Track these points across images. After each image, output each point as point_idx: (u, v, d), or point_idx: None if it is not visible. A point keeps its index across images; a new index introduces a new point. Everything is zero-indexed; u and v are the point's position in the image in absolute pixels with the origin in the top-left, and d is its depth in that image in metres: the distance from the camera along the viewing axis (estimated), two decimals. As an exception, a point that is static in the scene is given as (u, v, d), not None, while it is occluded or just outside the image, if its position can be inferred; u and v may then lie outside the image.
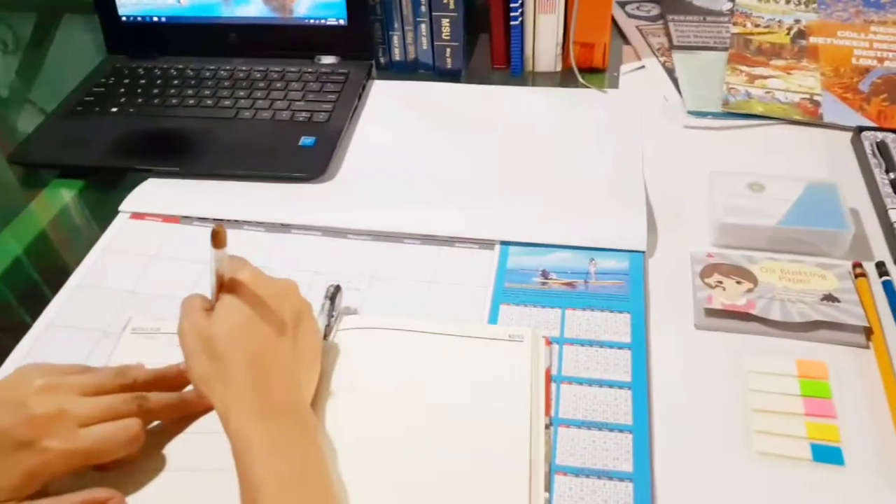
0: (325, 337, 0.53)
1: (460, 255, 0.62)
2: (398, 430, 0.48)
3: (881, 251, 0.60)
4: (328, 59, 0.84)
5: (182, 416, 0.50)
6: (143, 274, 0.62)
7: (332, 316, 0.55)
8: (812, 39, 0.84)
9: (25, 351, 0.56)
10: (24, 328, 0.58)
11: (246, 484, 0.41)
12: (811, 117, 0.74)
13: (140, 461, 0.47)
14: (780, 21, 0.87)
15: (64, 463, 0.43)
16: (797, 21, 0.86)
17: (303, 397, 0.47)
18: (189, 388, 0.51)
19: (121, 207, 0.68)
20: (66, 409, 0.44)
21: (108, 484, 0.45)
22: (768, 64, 0.81)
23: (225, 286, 0.46)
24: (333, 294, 0.56)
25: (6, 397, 0.44)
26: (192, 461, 0.48)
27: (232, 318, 0.45)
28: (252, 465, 0.41)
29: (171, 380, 0.50)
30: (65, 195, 0.72)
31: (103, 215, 0.68)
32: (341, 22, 0.82)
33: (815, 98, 0.76)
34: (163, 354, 0.54)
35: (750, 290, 0.56)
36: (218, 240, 0.44)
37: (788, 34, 0.85)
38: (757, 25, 0.86)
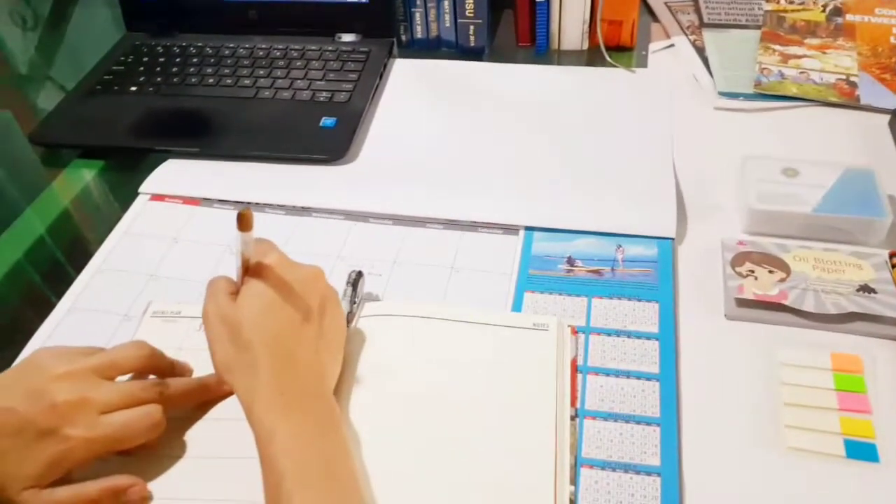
0: (348, 324, 0.52)
1: (483, 240, 0.61)
2: (421, 420, 0.48)
3: (920, 240, 0.58)
4: (348, 38, 0.82)
5: (201, 402, 0.50)
6: (164, 257, 0.61)
7: (355, 302, 0.54)
8: (848, 17, 0.81)
9: (47, 334, 0.56)
10: (49, 307, 0.58)
11: (269, 474, 0.40)
12: (847, 99, 0.71)
13: (161, 447, 0.47)
14: (815, -3, 0.84)
15: (86, 450, 0.43)
16: (833, -2, 0.83)
17: (327, 386, 0.46)
18: (210, 373, 0.50)
19: (141, 189, 0.68)
20: (87, 397, 0.44)
21: (129, 470, 0.46)
22: (802, 43, 0.78)
23: (251, 270, 0.46)
24: (356, 280, 0.55)
25: (26, 385, 0.44)
26: (213, 448, 0.47)
27: (257, 303, 0.45)
28: (276, 455, 0.40)
29: (211, 389, 0.50)
30: (85, 175, 0.72)
31: (123, 195, 0.68)
32: (363, -1, 0.80)
33: (852, 79, 0.73)
34: (183, 338, 0.54)
35: (782, 280, 0.55)
36: (244, 223, 0.43)
37: (824, 11, 0.82)
38: (791, 2, 0.83)
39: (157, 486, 0.46)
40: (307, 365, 0.45)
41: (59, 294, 0.59)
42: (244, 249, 0.45)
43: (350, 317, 0.53)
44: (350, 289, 0.54)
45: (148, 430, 0.45)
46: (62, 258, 0.65)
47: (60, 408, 0.43)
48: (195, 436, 0.48)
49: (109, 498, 0.44)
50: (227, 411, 0.49)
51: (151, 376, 0.49)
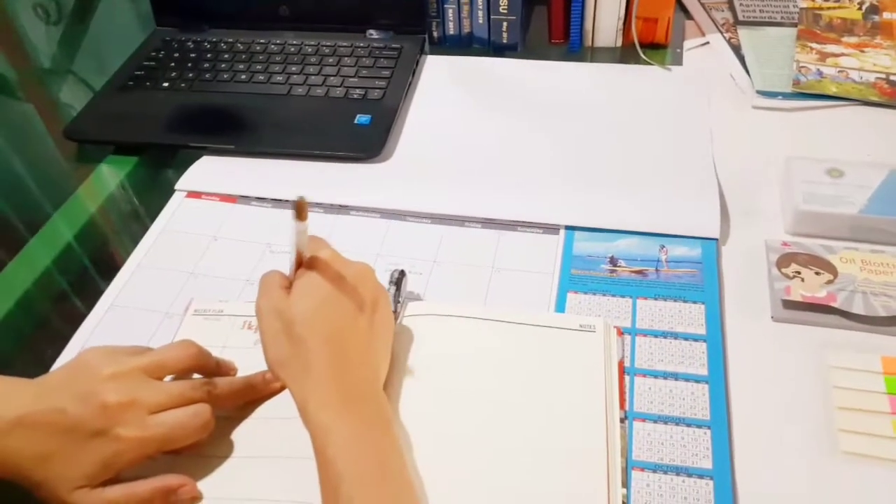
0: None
1: (523, 239, 0.61)
2: (470, 421, 0.48)
3: (967, 242, 0.58)
4: (380, 34, 0.82)
5: (248, 401, 0.49)
6: (204, 255, 0.61)
7: (399, 302, 0.54)
8: (885, 15, 0.80)
9: (88, 332, 0.56)
10: (89, 304, 0.58)
11: (327, 475, 0.40)
12: (889, 98, 0.70)
13: (209, 447, 0.47)
14: (850, -5, 0.83)
15: (137, 451, 0.43)
16: (869, -5, 0.82)
17: (379, 383, 0.46)
18: (254, 371, 0.50)
19: (177, 186, 0.67)
20: (137, 397, 0.44)
21: (177, 470, 0.45)
22: (840, 41, 0.77)
23: (305, 264, 0.45)
24: (399, 279, 0.55)
25: (76, 386, 0.44)
26: (261, 448, 0.47)
27: (312, 298, 0.44)
28: (334, 456, 0.40)
29: (258, 388, 0.49)
30: (119, 172, 0.72)
31: (158, 192, 0.68)
32: (395, -6, 0.80)
33: (892, 78, 0.72)
34: (226, 337, 0.54)
35: (829, 282, 0.54)
36: (301, 212, 0.43)
37: (860, 9, 0.81)
38: (826, 0, 0.83)
39: (205, 487, 0.46)
40: (361, 361, 0.45)
41: (94, 295, 0.59)
42: (298, 241, 0.45)
43: (395, 315, 0.53)
44: (394, 287, 0.54)
45: (198, 430, 0.45)
46: (97, 255, 0.65)
47: (111, 408, 0.43)
48: (243, 435, 0.48)
49: (160, 497, 0.44)
50: (274, 410, 0.49)
51: (197, 375, 0.49)
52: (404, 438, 0.46)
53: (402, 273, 0.55)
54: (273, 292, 0.45)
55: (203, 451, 0.47)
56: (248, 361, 0.51)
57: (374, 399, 0.44)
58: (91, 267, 0.64)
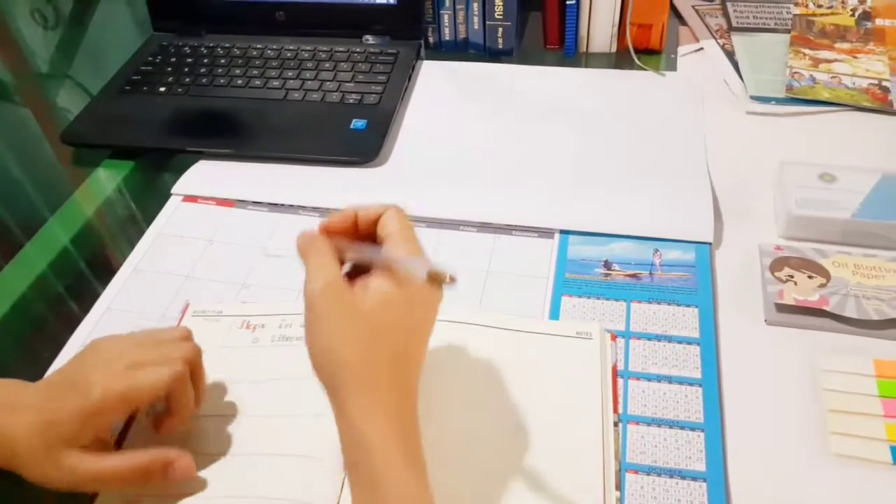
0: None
1: (518, 243, 0.61)
2: (466, 426, 0.48)
3: (958, 246, 0.58)
4: (376, 39, 0.82)
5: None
6: (200, 258, 0.61)
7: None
8: (878, 21, 0.81)
9: (85, 335, 0.56)
10: (87, 304, 0.58)
11: (364, 480, 0.39)
12: (881, 104, 0.71)
13: (207, 444, 0.47)
14: (843, 1, 0.83)
15: (113, 401, 0.43)
16: (862, 2, 0.83)
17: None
18: (253, 370, 0.50)
19: (173, 190, 0.68)
20: (118, 352, 0.45)
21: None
22: (833, 47, 0.78)
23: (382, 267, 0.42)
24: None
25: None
26: (260, 446, 0.47)
27: (393, 303, 0.41)
28: (381, 470, 0.38)
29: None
30: (116, 176, 0.72)
31: (155, 196, 0.68)
32: (391, 0, 0.80)
33: (884, 84, 0.73)
34: (224, 336, 0.54)
35: (822, 286, 0.54)
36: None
37: (853, 15, 0.82)
38: (819, 6, 0.83)
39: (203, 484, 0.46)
40: (415, 380, 0.43)
41: (90, 298, 0.59)
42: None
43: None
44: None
45: (171, 380, 0.44)
46: (94, 259, 0.65)
47: (88, 363, 0.44)
48: (240, 433, 0.48)
49: (159, 469, 0.44)
50: (273, 408, 0.49)
51: None
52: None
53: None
54: (334, 276, 0.41)
55: (200, 448, 0.47)
56: (245, 360, 0.52)
57: (416, 424, 0.42)
58: (87, 270, 0.64)
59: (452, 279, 0.40)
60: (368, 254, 0.43)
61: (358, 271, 0.43)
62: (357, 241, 0.44)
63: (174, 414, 0.46)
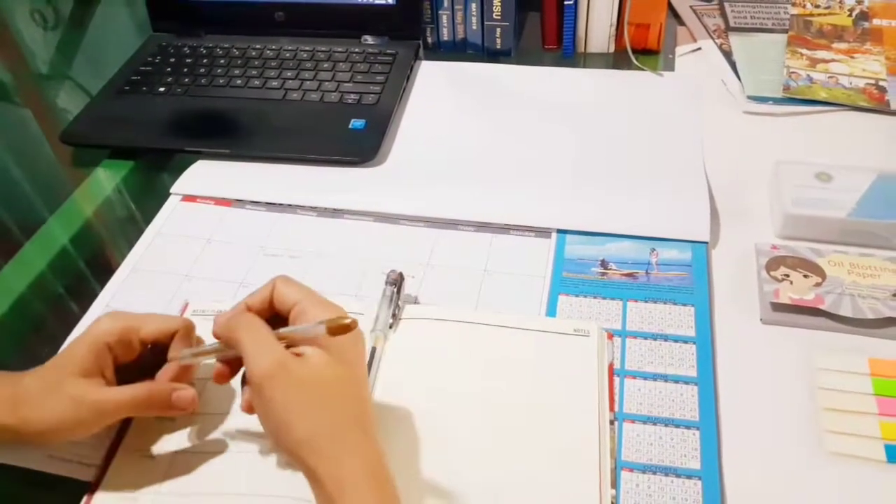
0: (391, 326, 0.53)
1: (516, 242, 0.61)
2: (464, 423, 0.48)
3: (954, 245, 0.58)
4: (375, 39, 0.82)
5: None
6: (198, 257, 0.62)
7: (398, 305, 0.54)
8: (875, 21, 0.81)
9: (84, 333, 0.56)
10: (86, 301, 0.59)
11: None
12: (877, 104, 0.71)
13: (203, 442, 0.48)
14: (841, 2, 0.84)
15: (121, 328, 0.45)
16: (859, 2, 0.83)
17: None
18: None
19: (172, 190, 0.68)
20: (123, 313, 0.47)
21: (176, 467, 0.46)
22: (830, 47, 0.78)
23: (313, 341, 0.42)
24: (398, 281, 0.55)
25: None
26: (256, 445, 0.48)
27: (344, 361, 0.42)
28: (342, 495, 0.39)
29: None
30: (116, 175, 0.72)
31: (154, 196, 0.68)
32: (389, 1, 0.80)
33: (881, 84, 0.73)
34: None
35: (818, 285, 0.55)
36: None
37: (850, 16, 0.82)
38: (817, 6, 0.83)
39: (199, 482, 0.46)
40: (369, 411, 0.43)
41: (89, 297, 0.59)
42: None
43: (393, 320, 0.53)
44: (393, 288, 0.54)
45: (178, 324, 0.47)
46: (93, 258, 0.65)
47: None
48: (236, 432, 0.48)
49: (164, 397, 0.45)
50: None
51: None
52: (399, 441, 0.47)
53: (401, 276, 0.56)
54: (281, 353, 0.41)
55: (201, 446, 0.47)
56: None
57: (381, 456, 0.42)
58: (86, 270, 0.64)
59: (354, 321, 0.40)
60: (285, 334, 0.42)
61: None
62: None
63: (172, 360, 0.47)
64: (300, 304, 0.43)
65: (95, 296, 0.59)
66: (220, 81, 0.78)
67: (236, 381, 0.50)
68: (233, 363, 0.45)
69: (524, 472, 0.45)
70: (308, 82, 0.77)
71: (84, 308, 0.58)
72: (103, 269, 0.62)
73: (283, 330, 0.42)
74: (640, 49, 0.80)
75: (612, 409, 0.49)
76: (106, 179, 0.72)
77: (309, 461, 0.39)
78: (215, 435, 0.48)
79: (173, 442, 0.48)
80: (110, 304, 0.58)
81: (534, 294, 0.57)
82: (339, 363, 0.41)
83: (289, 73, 0.78)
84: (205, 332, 0.53)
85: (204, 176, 0.69)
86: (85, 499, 0.46)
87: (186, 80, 0.79)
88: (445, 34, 0.84)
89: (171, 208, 0.67)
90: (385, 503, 0.39)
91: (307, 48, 0.82)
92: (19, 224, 0.70)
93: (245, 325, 0.42)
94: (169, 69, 0.81)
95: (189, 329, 0.48)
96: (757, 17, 0.84)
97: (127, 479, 0.46)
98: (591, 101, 0.75)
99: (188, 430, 0.48)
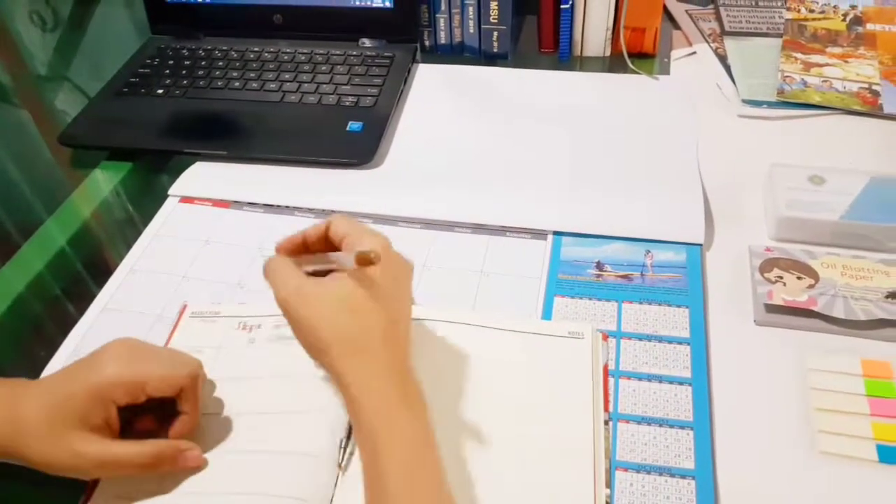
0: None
1: (512, 244, 0.62)
2: (460, 424, 0.48)
3: (946, 248, 0.59)
4: (372, 42, 0.83)
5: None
6: (196, 259, 0.62)
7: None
8: (869, 26, 0.81)
9: (80, 336, 0.57)
10: (87, 302, 0.59)
11: (374, 460, 0.40)
12: (871, 108, 0.72)
13: (200, 443, 0.48)
14: (835, 7, 0.84)
15: (127, 382, 0.44)
16: (853, 7, 0.84)
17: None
18: (248, 372, 0.51)
19: (170, 191, 0.68)
20: (135, 346, 0.47)
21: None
22: (824, 51, 0.79)
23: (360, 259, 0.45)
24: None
25: None
26: (250, 443, 0.48)
27: (362, 284, 0.44)
28: (386, 427, 0.41)
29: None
30: (114, 177, 0.72)
31: (152, 197, 0.68)
32: (387, 4, 0.81)
33: (875, 88, 0.74)
34: (221, 337, 0.55)
35: (811, 286, 0.55)
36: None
37: (844, 20, 0.82)
38: (811, 11, 0.84)
39: (196, 481, 0.46)
40: (406, 340, 0.46)
41: (87, 299, 0.59)
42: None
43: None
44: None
45: (184, 376, 0.46)
46: (91, 260, 0.66)
47: (104, 350, 0.46)
48: (230, 431, 0.49)
49: (170, 457, 0.45)
50: (263, 406, 0.50)
51: None
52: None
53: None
54: (298, 279, 0.45)
55: (198, 447, 0.47)
56: (242, 361, 0.53)
57: (412, 371, 0.45)
58: (84, 272, 0.65)
59: (377, 255, 0.43)
60: (322, 259, 0.47)
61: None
62: (310, 254, 0.48)
63: (187, 412, 0.47)
64: (349, 237, 0.46)
65: (93, 297, 0.59)
66: (219, 84, 0.79)
67: (230, 382, 0.51)
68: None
69: (519, 472, 0.46)
70: (306, 85, 0.78)
71: (82, 309, 0.58)
72: (101, 271, 0.62)
73: (316, 255, 0.47)
74: (635, 53, 0.81)
75: (606, 409, 0.49)
76: (104, 181, 0.72)
77: (337, 364, 0.43)
78: (212, 436, 0.48)
79: None
80: (108, 306, 0.58)
81: (530, 295, 0.57)
82: (363, 282, 0.44)
83: (287, 76, 0.79)
84: (205, 336, 0.54)
85: (202, 177, 0.69)
86: (82, 499, 0.46)
87: (185, 82, 0.79)
88: (442, 37, 0.84)
89: (169, 210, 0.67)
90: (408, 402, 0.42)
91: (305, 51, 0.82)
92: (17, 225, 0.70)
93: (272, 264, 0.47)
94: (167, 71, 0.81)
95: (195, 381, 0.47)
96: (752, 21, 0.85)
97: (124, 480, 0.46)
98: (587, 104, 0.76)
99: None
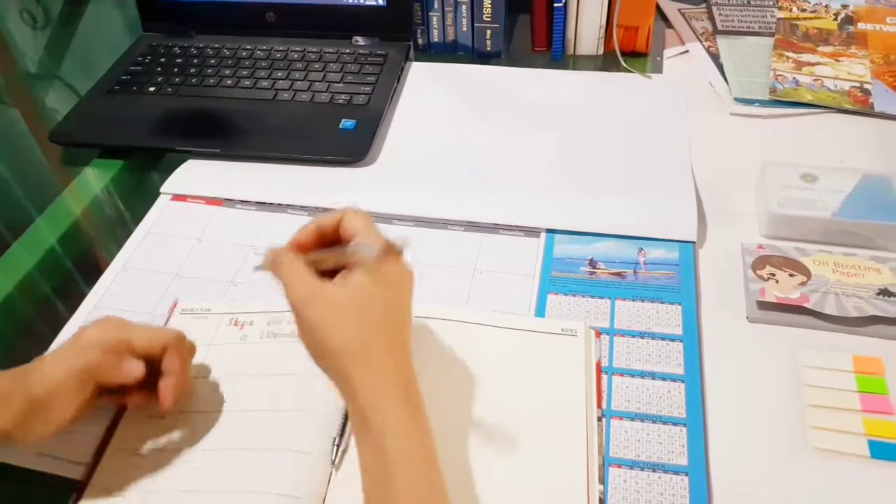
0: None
1: (505, 242, 0.62)
2: (454, 421, 0.48)
3: (936, 245, 0.59)
4: (365, 40, 0.83)
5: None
6: (188, 257, 0.62)
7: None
8: (860, 25, 0.82)
9: (71, 335, 0.56)
10: (76, 302, 0.58)
11: (377, 462, 0.40)
12: (862, 106, 0.72)
13: (187, 439, 0.48)
14: (826, 6, 0.85)
15: (106, 344, 0.46)
16: (844, 6, 0.84)
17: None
18: (239, 367, 0.51)
19: (162, 189, 0.68)
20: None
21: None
22: (816, 50, 0.79)
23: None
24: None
25: None
26: (238, 440, 0.48)
27: (367, 286, 0.43)
28: (391, 446, 0.40)
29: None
30: (105, 175, 0.72)
31: (144, 195, 0.68)
32: (380, 2, 0.81)
33: (866, 86, 0.74)
34: (213, 334, 0.54)
35: (803, 283, 0.55)
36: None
37: (836, 20, 0.83)
38: (803, 10, 0.84)
39: (180, 480, 0.46)
40: (408, 343, 0.45)
41: (77, 297, 0.59)
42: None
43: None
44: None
45: (168, 337, 0.48)
46: (81, 258, 0.65)
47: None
48: (218, 428, 0.49)
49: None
50: (251, 403, 0.50)
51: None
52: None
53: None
54: (314, 282, 0.44)
55: (190, 444, 0.48)
56: (234, 357, 0.53)
57: (415, 381, 0.44)
58: (75, 270, 0.64)
59: (405, 243, 0.43)
60: (335, 255, 0.45)
61: (335, 273, 0.45)
62: (324, 249, 0.47)
63: (169, 374, 0.47)
64: (360, 235, 0.46)
65: (84, 296, 0.59)
66: (211, 81, 0.78)
67: (221, 378, 0.51)
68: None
69: (512, 469, 0.46)
70: (299, 82, 0.77)
71: (72, 308, 0.58)
72: (92, 269, 0.61)
73: (328, 250, 0.46)
74: (628, 51, 0.81)
75: (599, 406, 0.49)
76: (95, 179, 0.72)
77: (344, 371, 0.42)
78: (204, 433, 0.48)
79: (162, 440, 0.48)
80: (99, 305, 0.58)
81: (523, 293, 0.57)
82: (377, 286, 0.44)
83: (279, 74, 0.79)
84: (196, 332, 0.54)
85: (194, 175, 0.69)
86: (74, 497, 0.46)
87: (177, 79, 0.79)
88: (436, 35, 0.84)
89: (161, 208, 0.67)
90: (413, 415, 0.42)
91: (298, 48, 0.82)
92: (7, 224, 0.70)
93: (284, 262, 0.45)
94: (159, 69, 0.81)
95: (180, 340, 0.48)
96: (744, 20, 0.85)
97: (116, 478, 0.46)
98: (580, 103, 0.76)
99: (177, 428, 0.48)
